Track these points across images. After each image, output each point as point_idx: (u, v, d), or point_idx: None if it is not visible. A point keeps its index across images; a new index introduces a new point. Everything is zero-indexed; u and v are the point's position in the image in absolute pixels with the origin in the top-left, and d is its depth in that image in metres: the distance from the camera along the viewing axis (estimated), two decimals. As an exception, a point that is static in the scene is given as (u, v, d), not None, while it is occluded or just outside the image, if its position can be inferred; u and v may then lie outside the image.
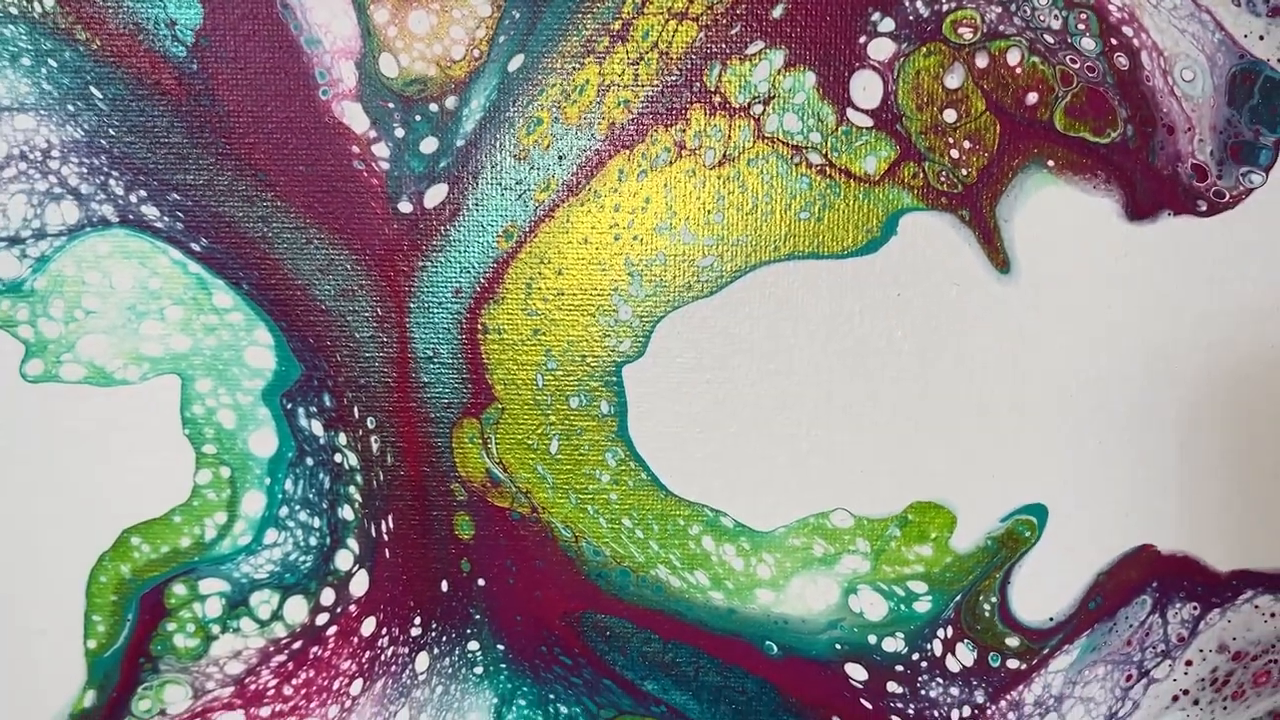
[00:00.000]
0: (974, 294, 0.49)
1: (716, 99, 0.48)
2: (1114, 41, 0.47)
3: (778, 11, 0.47)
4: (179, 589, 0.52)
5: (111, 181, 0.49)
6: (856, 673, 0.51)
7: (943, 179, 0.48)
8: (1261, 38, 0.47)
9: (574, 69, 0.48)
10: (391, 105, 0.48)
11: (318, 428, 0.51)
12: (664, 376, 0.50)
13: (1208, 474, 0.50)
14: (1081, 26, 0.47)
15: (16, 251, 0.50)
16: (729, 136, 0.48)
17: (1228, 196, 0.48)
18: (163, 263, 0.50)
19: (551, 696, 0.52)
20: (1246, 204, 0.48)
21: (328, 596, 0.52)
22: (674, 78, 0.48)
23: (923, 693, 0.52)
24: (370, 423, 0.51)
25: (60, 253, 0.50)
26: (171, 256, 0.50)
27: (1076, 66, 0.47)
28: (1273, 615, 0.51)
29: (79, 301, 0.50)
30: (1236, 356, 0.49)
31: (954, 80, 0.47)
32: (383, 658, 0.52)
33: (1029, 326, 0.49)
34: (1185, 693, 0.51)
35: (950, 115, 0.48)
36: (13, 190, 0.50)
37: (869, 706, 0.52)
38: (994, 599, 0.51)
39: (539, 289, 0.50)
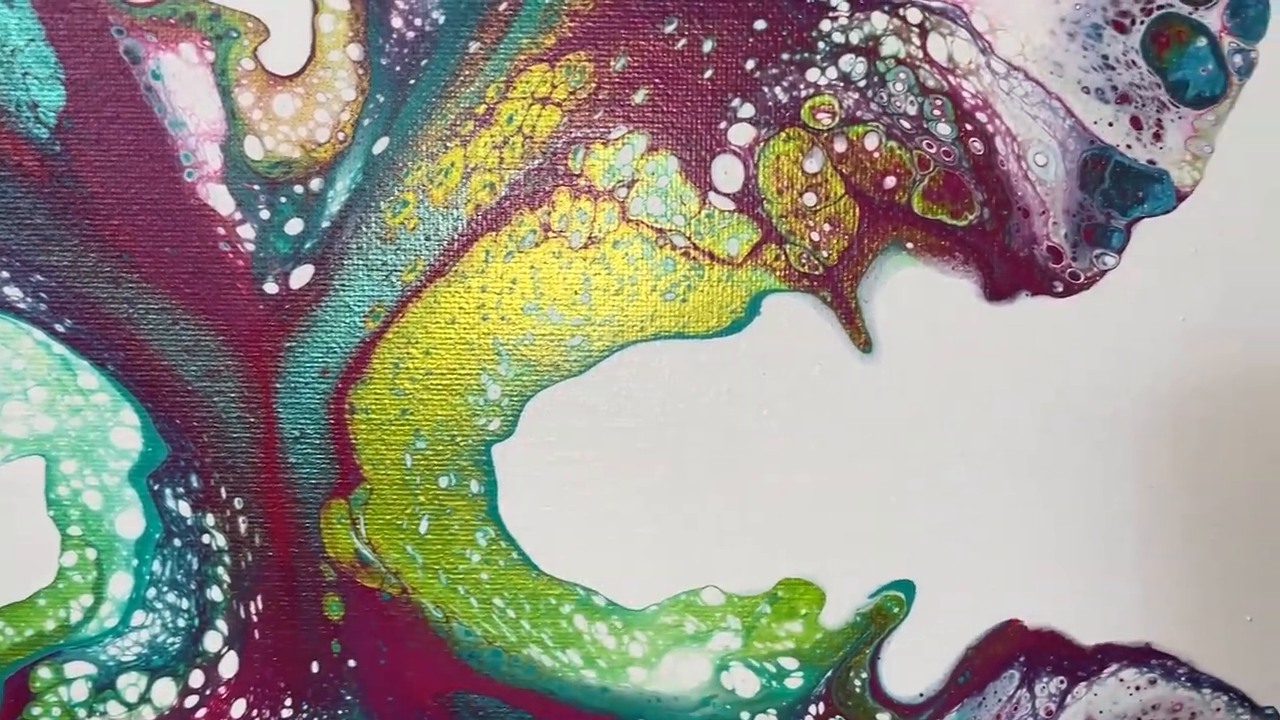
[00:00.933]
0: (838, 373, 0.49)
1: (581, 182, 0.49)
2: (969, 127, 0.48)
3: (639, 97, 0.48)
4: (44, 672, 0.51)
5: (-27, 263, 0.49)
6: (732, 749, 0.51)
7: (804, 261, 0.49)
8: (1110, 124, 0.48)
9: (439, 152, 0.48)
10: (257, 187, 0.48)
11: (185, 508, 0.51)
12: (534, 455, 0.50)
13: (1071, 548, 0.51)
14: (937, 112, 0.48)
15: (-125, 333, 0.49)
16: (594, 219, 0.49)
17: (1083, 278, 0.49)
18: (26, 344, 0.49)
19: (427, 776, 0.52)
20: (1101, 285, 0.49)
21: (196, 679, 0.51)
22: (538, 161, 0.48)
23: (798, 768, 0.52)
24: (238, 503, 0.51)
25: (-79, 334, 0.50)
26: (35, 337, 0.49)
27: (933, 151, 0.48)
28: (1137, 688, 0.52)
29: (-59, 383, 0.50)
30: (1094, 436, 0.49)
31: (813, 164, 0.48)
32: (253, 740, 0.51)
33: (893, 405, 0.49)
34: (1058, 764, 0.52)
35: (810, 199, 0.48)
36: (-128, 272, 0.49)
37: (745, 783, 0.52)
38: (865, 675, 0.52)
39: (406, 369, 0.50)
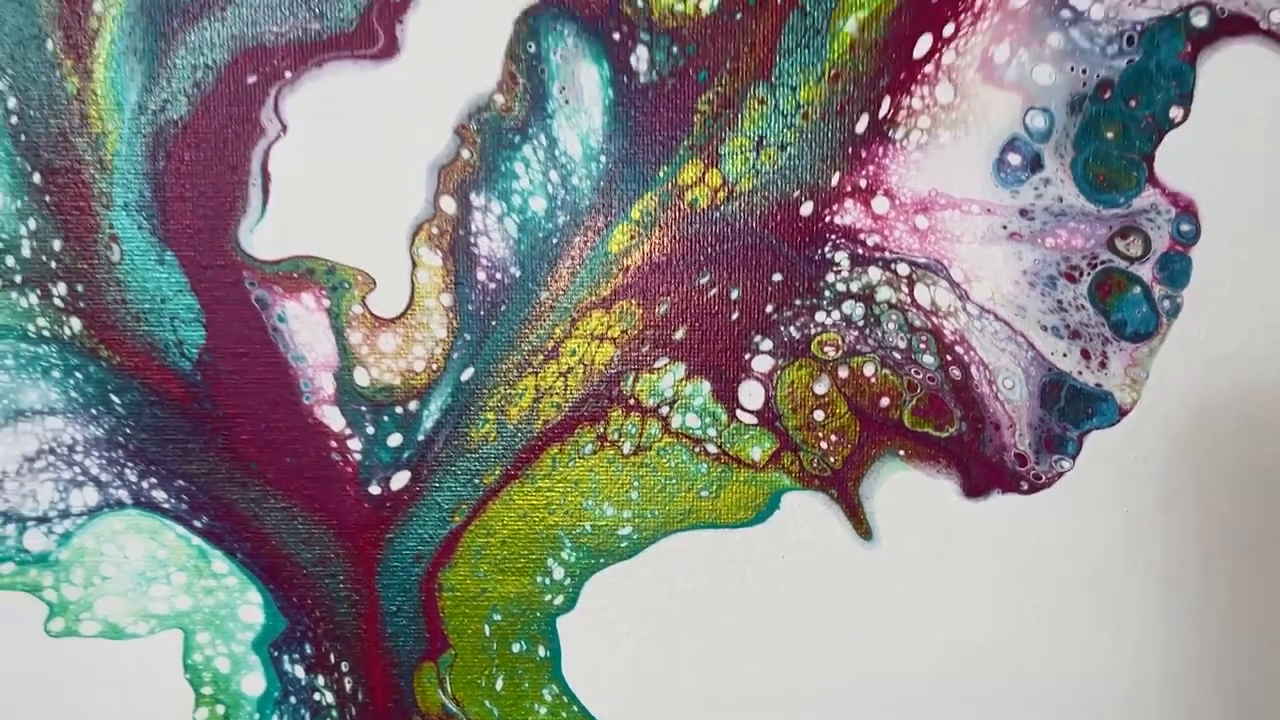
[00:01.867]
0: (844, 558, 0.59)
1: (631, 402, 0.59)
2: (949, 358, 0.58)
3: (679, 334, 0.58)
4: (179, 809, 0.61)
5: (127, 471, 0.59)
6: None
7: (815, 465, 0.59)
8: (1065, 355, 0.58)
9: (515, 379, 0.59)
10: (363, 408, 0.58)
11: (300, 671, 0.60)
12: (592, 626, 0.60)
13: None
14: (923, 346, 0.58)
15: (44, 529, 0.59)
16: (642, 431, 0.59)
17: (1044, 478, 0.59)
18: (169, 537, 0.59)
19: None
20: (1059, 484, 0.59)
21: (307, 813, 0.61)
22: (596, 386, 0.59)
23: None
24: (344, 667, 0.60)
25: (81, 529, 0.59)
26: (177, 532, 0.59)
27: (920, 377, 0.58)
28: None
29: (97, 569, 0.59)
30: (1057, 620, 0.59)
31: (821, 388, 0.58)
32: None
33: (891, 586, 0.59)
34: None
35: (819, 415, 0.59)
36: (42, 479, 0.59)
37: None
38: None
39: (486, 555, 0.59)
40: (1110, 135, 0.56)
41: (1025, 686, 0.59)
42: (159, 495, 0.58)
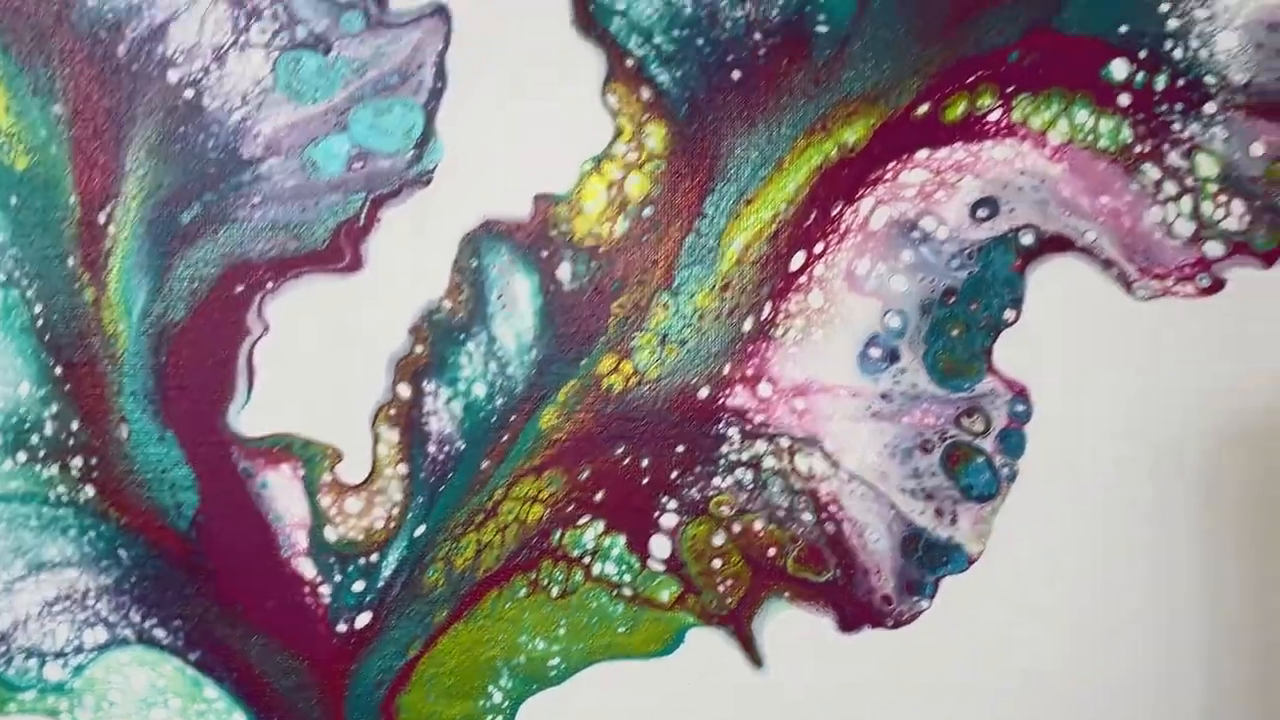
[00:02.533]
0: (740, 683, 0.70)
1: (559, 553, 0.69)
2: (825, 515, 0.69)
3: (599, 496, 0.69)
4: None
5: (132, 613, 0.69)
6: None
7: (714, 605, 0.70)
8: (922, 513, 0.69)
9: (460, 534, 0.69)
10: (332, 560, 0.69)
11: (278, 782, 0.71)
12: (526, 741, 0.71)
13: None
14: (802, 506, 0.69)
15: (61, 663, 0.69)
16: (568, 578, 0.70)
17: (906, 615, 0.70)
18: (168, 668, 0.70)
19: None
20: (919, 619, 0.70)
21: None
22: (529, 539, 0.70)
23: None
24: (316, 777, 0.71)
25: (93, 663, 0.69)
26: (174, 664, 0.69)
27: (801, 531, 0.69)
28: None
29: (106, 696, 0.70)
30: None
31: (718, 540, 0.69)
32: None
33: (779, 707, 0.70)
34: None
35: (717, 563, 0.69)
36: (60, 620, 0.69)
37: None
38: None
39: (436, 683, 0.70)
40: (955, 333, 0.67)
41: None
42: (159, 633, 0.69)
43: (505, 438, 0.68)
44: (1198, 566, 0.68)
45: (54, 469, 0.68)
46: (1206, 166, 0.66)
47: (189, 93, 0.65)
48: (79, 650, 0.69)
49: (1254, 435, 0.68)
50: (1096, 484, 0.68)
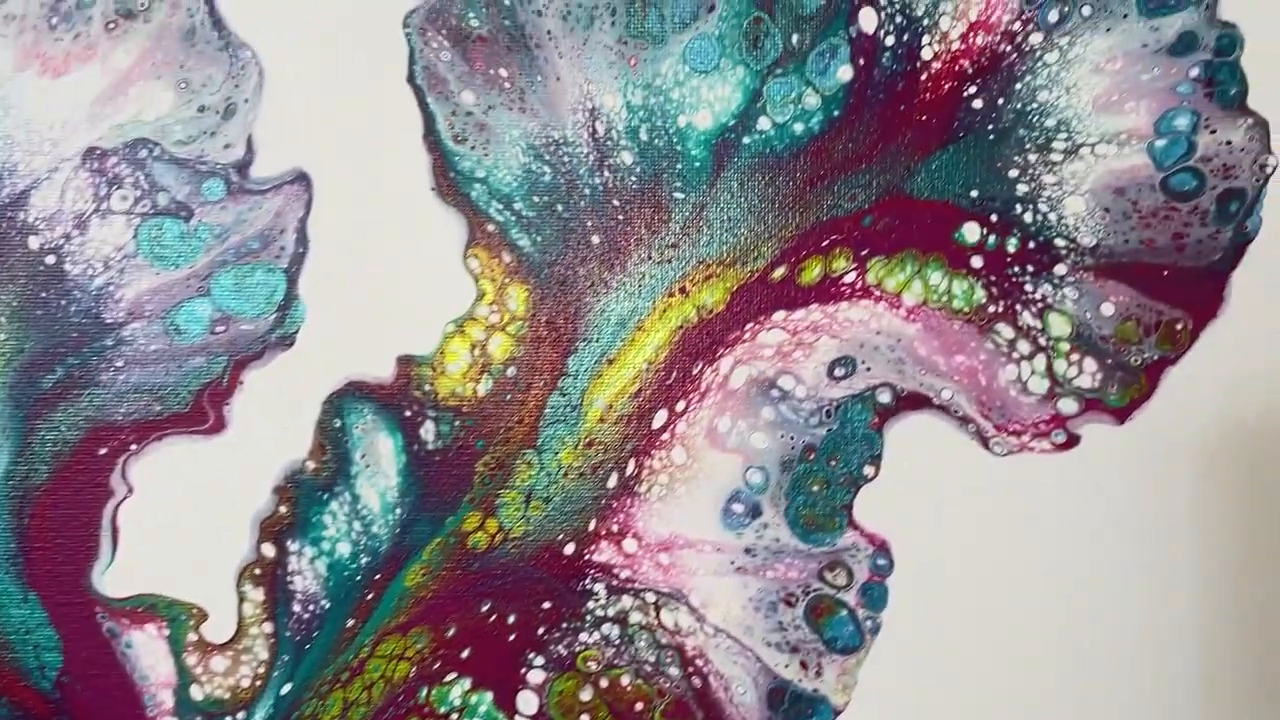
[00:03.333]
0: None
1: (426, 710, 0.69)
2: (691, 669, 0.69)
3: (465, 653, 0.69)
4: None
5: (-5, 774, 0.69)
6: None
7: (582, 760, 0.70)
8: (787, 666, 0.70)
9: (327, 691, 0.69)
10: (199, 718, 0.69)
11: None
12: None
13: None
14: (669, 660, 0.69)
15: (-77, 826, 0.69)
16: (436, 733, 0.70)
17: (774, 767, 0.70)
18: (31, 830, 0.69)
19: None
20: (787, 771, 0.70)
21: None
22: (395, 697, 0.70)
23: None
24: None
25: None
26: (38, 825, 0.69)
27: (668, 685, 0.69)
28: None
29: None
30: None
31: (586, 695, 0.69)
32: None
33: None
34: None
35: (585, 718, 0.70)
36: (-78, 782, 0.69)
37: None
38: None
39: (305, 840, 0.70)
40: (816, 488, 0.68)
41: None
42: (23, 794, 0.68)
43: (370, 596, 0.68)
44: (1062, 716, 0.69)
45: (-85, 632, 0.67)
46: (1059, 326, 0.67)
47: (50, 258, 0.66)
48: (-59, 812, 0.68)
49: (1110, 583, 0.69)
50: (959, 636, 0.69)
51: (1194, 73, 0.66)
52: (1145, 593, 0.68)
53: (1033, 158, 0.66)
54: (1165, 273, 0.67)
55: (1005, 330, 0.67)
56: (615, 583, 0.68)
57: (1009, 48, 0.66)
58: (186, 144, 0.66)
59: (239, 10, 0.65)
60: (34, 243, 0.66)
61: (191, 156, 0.66)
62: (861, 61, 0.66)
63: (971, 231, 0.67)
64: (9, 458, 0.66)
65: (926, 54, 0.66)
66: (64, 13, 0.65)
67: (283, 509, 0.67)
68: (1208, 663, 0.69)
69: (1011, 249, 0.67)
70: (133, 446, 0.67)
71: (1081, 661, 0.69)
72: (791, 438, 0.68)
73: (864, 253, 0.67)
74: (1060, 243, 0.67)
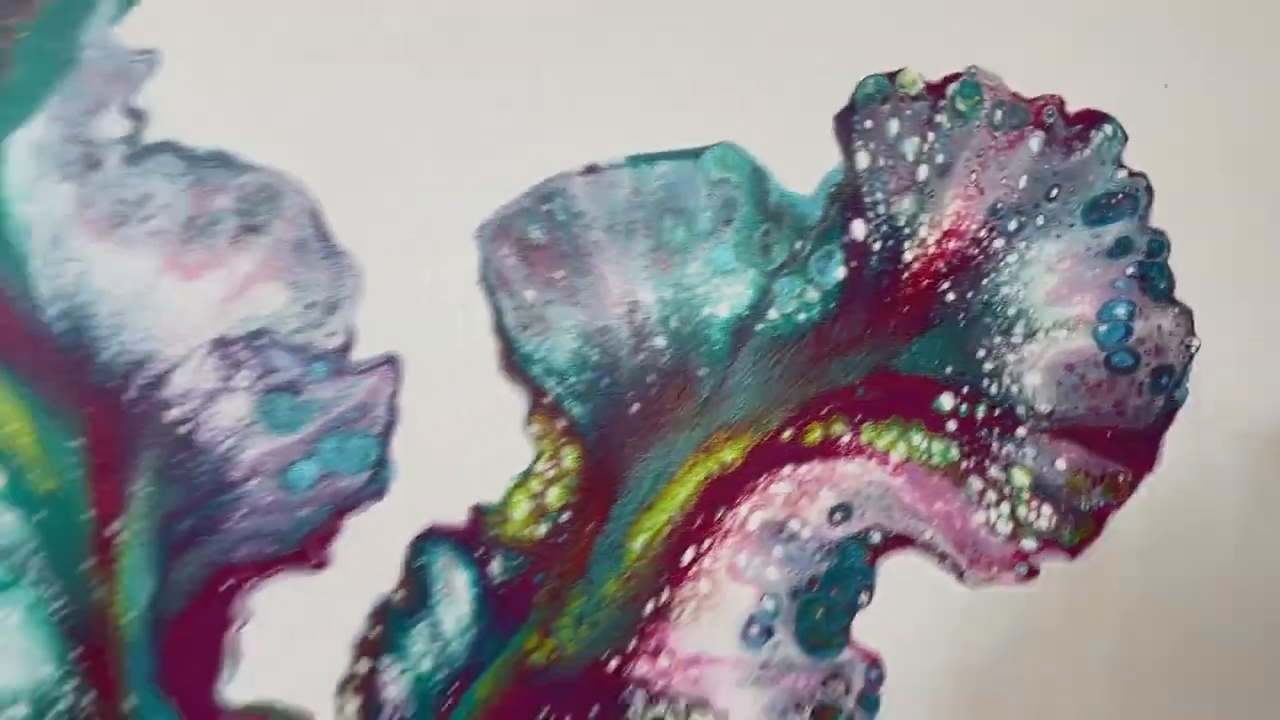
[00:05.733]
0: None
1: (494, 798, 0.83)
2: (715, 764, 0.83)
3: (526, 751, 0.83)
4: None
5: None
6: None
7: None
8: (796, 761, 0.83)
9: (411, 784, 0.83)
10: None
11: None
12: None
13: None
14: (697, 756, 0.83)
15: None
16: (502, 818, 0.83)
17: (785, 847, 0.83)
18: None
19: None
20: None
21: None
22: (469, 788, 0.83)
23: None
24: None
25: None
26: None
27: (696, 777, 0.83)
28: None
29: None
30: None
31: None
32: None
33: None
34: None
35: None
36: None
37: None
38: None
39: None
40: (819, 614, 0.81)
41: None
42: None
43: (448, 704, 0.82)
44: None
45: (70, 735, 0.81)
46: (1020, 478, 0.80)
47: (185, 428, 0.80)
48: None
49: (1070, 692, 0.82)
50: (941, 736, 0.82)
51: (1130, 271, 0.79)
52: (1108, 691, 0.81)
53: (997, 340, 0.80)
54: (1109, 434, 0.80)
55: (976, 482, 0.81)
56: (652, 692, 0.82)
57: (977, 251, 0.80)
58: (297, 333, 0.80)
59: (341, 223, 0.79)
60: (171, 415, 0.80)
61: (301, 344, 0.79)
62: (854, 263, 0.80)
63: (947, 401, 0.80)
64: (152, 591, 0.80)
65: (908, 256, 0.80)
66: (198, 228, 0.79)
67: (375, 631, 0.81)
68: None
69: (980, 415, 0.80)
70: (251, 581, 0.80)
71: (1043, 758, 0.82)
72: (799, 571, 0.81)
73: (857, 419, 0.80)
74: (1021, 410, 0.80)
